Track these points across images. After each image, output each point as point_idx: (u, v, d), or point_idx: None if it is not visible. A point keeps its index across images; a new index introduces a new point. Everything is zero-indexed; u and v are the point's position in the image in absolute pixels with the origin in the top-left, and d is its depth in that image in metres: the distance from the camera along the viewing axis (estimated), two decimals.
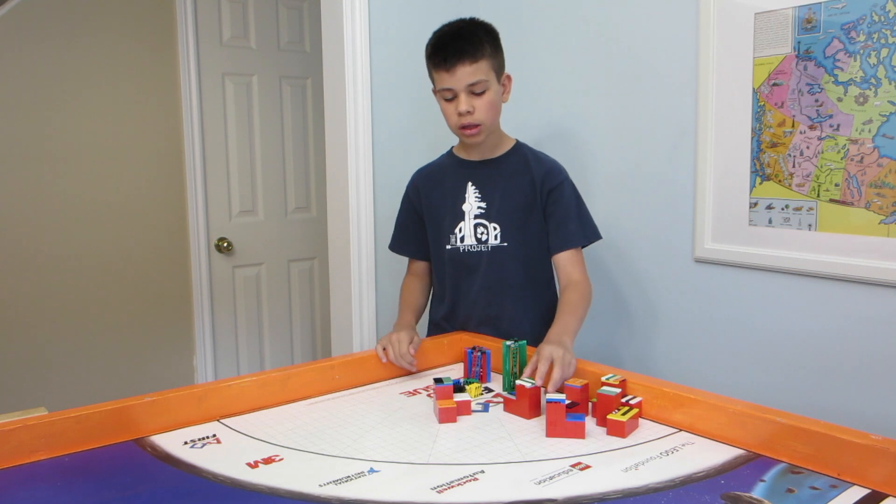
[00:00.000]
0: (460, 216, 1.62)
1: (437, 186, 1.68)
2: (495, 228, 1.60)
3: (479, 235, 1.61)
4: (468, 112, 1.50)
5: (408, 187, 1.74)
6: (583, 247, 1.61)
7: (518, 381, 1.22)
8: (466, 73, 1.48)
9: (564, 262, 1.58)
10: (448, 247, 1.64)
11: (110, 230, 2.79)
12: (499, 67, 1.55)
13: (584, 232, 1.60)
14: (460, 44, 1.49)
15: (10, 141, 2.56)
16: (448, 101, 1.53)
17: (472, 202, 1.62)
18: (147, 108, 2.84)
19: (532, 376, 1.22)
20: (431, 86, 1.57)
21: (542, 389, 1.22)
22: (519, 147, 1.66)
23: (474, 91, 1.50)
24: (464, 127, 1.53)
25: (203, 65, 2.90)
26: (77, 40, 2.66)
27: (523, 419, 1.19)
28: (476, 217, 1.61)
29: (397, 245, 1.77)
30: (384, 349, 1.43)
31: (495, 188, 1.61)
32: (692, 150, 1.80)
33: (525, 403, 1.20)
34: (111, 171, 2.77)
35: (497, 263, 1.60)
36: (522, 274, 1.61)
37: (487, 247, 1.61)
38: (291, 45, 3.12)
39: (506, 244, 1.60)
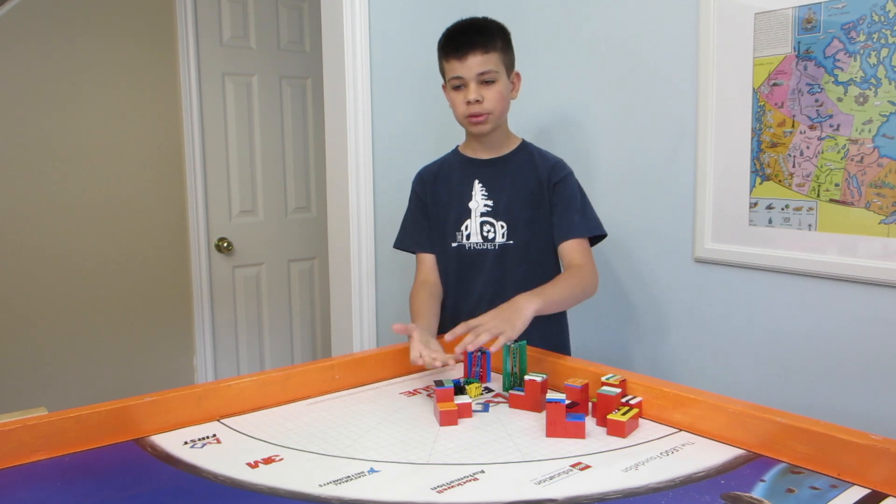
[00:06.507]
0: (466, 214, 1.62)
1: (443, 183, 1.68)
2: (502, 227, 1.60)
3: (485, 233, 1.61)
4: (476, 101, 1.52)
5: (414, 184, 1.73)
6: (588, 239, 1.59)
7: (527, 377, 1.23)
8: (477, 63, 1.51)
9: (568, 250, 1.57)
10: (454, 244, 1.63)
11: (110, 230, 2.79)
12: (509, 64, 1.57)
13: (587, 223, 1.59)
14: (473, 35, 1.53)
15: (10, 141, 2.56)
16: (457, 90, 1.54)
17: (479, 200, 1.62)
18: (147, 108, 2.84)
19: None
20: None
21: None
22: (525, 146, 1.66)
23: (484, 80, 1.52)
24: (471, 115, 1.54)
25: (203, 65, 2.90)
26: (77, 40, 2.66)
27: (523, 419, 1.19)
28: (483, 215, 1.61)
29: (407, 242, 1.72)
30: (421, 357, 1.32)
31: (502, 186, 1.61)
32: (692, 150, 1.80)
33: (536, 398, 1.21)
34: (111, 171, 2.77)
35: (503, 261, 1.60)
36: (528, 272, 1.61)
37: (494, 245, 1.61)
38: (291, 45, 3.12)
39: (512, 242, 1.60)
